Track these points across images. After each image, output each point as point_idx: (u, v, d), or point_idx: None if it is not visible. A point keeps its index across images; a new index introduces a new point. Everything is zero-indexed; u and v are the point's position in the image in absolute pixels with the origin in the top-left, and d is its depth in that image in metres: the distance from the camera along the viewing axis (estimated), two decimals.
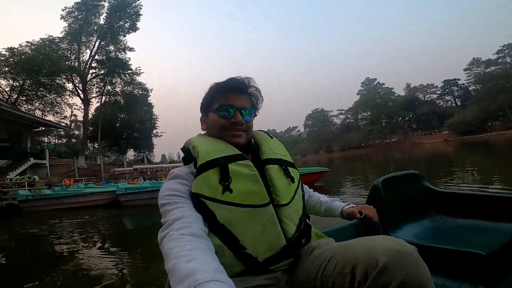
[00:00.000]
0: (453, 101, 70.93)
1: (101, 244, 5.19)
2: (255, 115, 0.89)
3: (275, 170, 0.81)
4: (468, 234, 1.30)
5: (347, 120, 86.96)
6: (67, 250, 4.89)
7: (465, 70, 64.50)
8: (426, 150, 29.48)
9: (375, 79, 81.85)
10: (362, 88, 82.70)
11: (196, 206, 0.71)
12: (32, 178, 14.20)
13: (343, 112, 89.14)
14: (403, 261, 0.57)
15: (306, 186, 1.04)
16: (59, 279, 3.43)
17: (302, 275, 0.74)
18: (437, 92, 73.15)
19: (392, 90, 77.98)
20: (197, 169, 0.75)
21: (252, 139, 0.91)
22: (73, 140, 48.74)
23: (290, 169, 0.85)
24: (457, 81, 68.64)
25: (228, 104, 0.83)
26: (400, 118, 73.97)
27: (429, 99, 73.69)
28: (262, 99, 0.91)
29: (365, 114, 79.66)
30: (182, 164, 0.86)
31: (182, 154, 0.88)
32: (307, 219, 0.86)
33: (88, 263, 3.92)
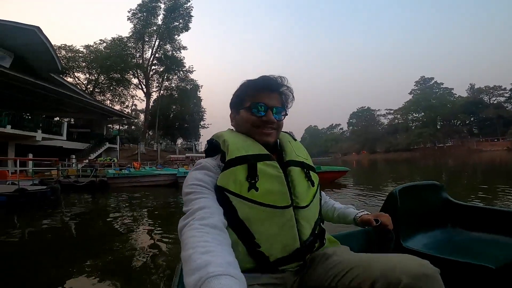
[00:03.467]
0: None
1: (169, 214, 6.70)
2: (286, 114, 0.90)
3: (297, 172, 0.82)
4: (481, 247, 1.29)
5: (396, 120, 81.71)
6: (152, 214, 6.50)
7: None
8: (484, 158, 26.91)
9: (432, 78, 75.71)
10: (416, 88, 77.18)
11: (219, 199, 0.72)
12: (112, 160, 17.31)
13: (392, 112, 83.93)
14: (426, 284, 0.58)
15: (323, 193, 1.05)
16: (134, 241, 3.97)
17: (314, 279, 0.76)
18: (505, 94, 64.61)
19: (452, 91, 71.55)
20: (225, 163, 0.76)
21: (278, 140, 0.90)
22: (133, 127, 54.76)
23: (311, 172, 0.87)
24: None
25: (260, 102, 0.83)
26: (458, 122, 67.43)
27: (495, 102, 65.66)
28: (293, 98, 0.91)
29: (416, 115, 74.43)
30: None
31: None
32: (321, 223, 0.88)
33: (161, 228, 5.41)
